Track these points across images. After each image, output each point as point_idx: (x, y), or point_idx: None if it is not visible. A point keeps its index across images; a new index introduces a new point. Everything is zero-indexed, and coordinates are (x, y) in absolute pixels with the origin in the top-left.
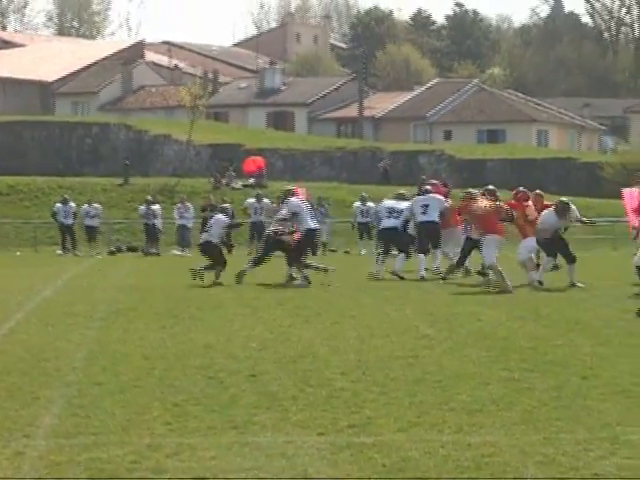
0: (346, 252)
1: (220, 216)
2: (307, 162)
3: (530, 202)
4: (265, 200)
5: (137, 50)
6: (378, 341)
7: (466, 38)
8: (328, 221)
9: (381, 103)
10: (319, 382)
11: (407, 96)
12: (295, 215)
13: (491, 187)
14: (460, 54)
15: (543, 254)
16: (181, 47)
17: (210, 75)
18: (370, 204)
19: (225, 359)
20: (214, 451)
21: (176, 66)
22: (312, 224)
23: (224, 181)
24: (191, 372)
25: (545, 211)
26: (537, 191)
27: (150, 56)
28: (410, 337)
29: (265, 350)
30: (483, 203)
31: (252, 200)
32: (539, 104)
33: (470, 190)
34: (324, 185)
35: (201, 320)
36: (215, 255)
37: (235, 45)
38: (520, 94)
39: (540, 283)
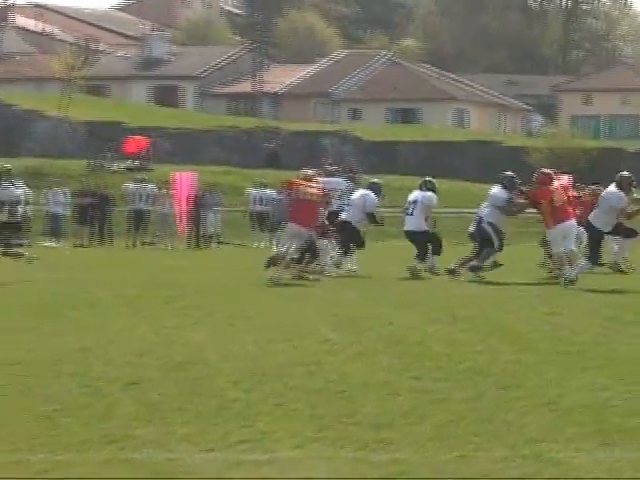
0: (241, 245)
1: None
2: (196, 143)
3: (556, 184)
4: (150, 186)
5: (3, 13)
6: (276, 346)
7: (377, 4)
8: (220, 210)
9: (281, 77)
10: (209, 392)
11: (310, 69)
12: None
13: (509, 173)
14: (370, 23)
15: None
16: (53, 10)
17: (87, 43)
18: (267, 191)
19: (103, 365)
20: (88, 468)
21: (48, 32)
22: None
23: (103, 163)
24: (64, 379)
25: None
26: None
27: (18, 20)
28: (312, 341)
29: (148, 355)
30: (310, 189)
31: (131, 185)
32: (458, 80)
33: (307, 171)
34: (215, 169)
35: (76, 320)
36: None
37: (115, 9)
38: (437, 69)
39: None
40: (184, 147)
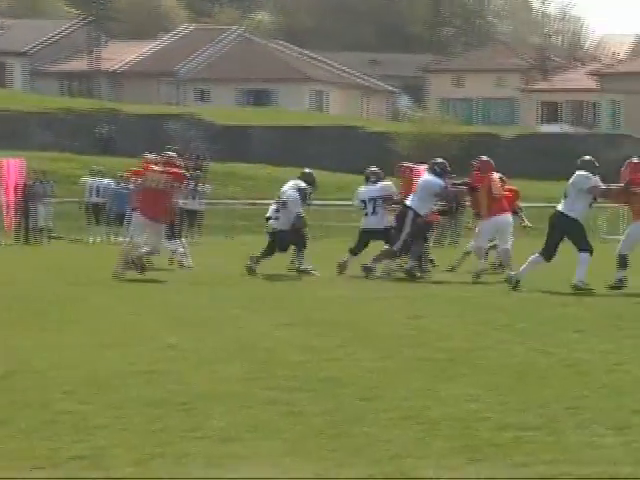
0: (75, 240)
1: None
2: (24, 126)
3: (495, 175)
4: None
5: None
6: (112, 352)
7: None
8: (50, 201)
9: (121, 54)
10: (37, 403)
11: (153, 46)
12: None
13: (440, 159)
14: None
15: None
16: None
17: None
18: (105, 180)
19: None
20: None
21: None
22: None
23: None
24: None
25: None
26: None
27: None
28: (151, 347)
29: None
30: (157, 175)
31: None
32: (316, 59)
33: (147, 155)
34: (45, 155)
35: None
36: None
37: None
38: (293, 46)
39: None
40: (10, 131)
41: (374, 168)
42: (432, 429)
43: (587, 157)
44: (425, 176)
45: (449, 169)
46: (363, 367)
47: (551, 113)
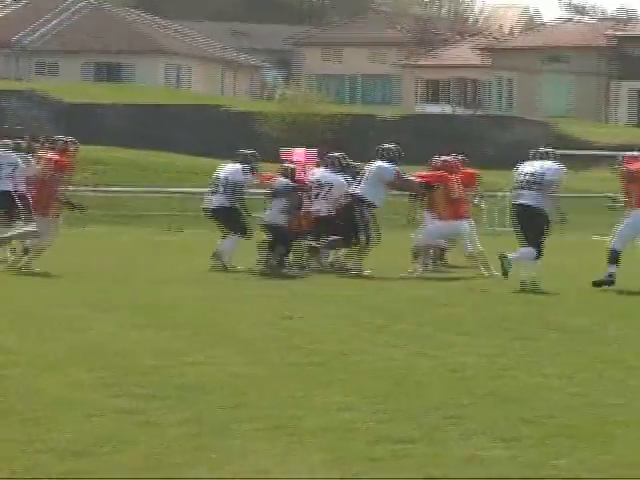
0: None
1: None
2: None
3: (454, 177)
4: None
5: None
6: None
7: None
8: None
9: None
10: None
11: None
12: None
13: (391, 145)
14: None
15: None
16: None
17: None
18: None
19: None
20: None
21: None
22: None
23: None
24: None
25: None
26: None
27: None
28: None
29: None
30: (44, 164)
31: None
32: (174, 30)
33: (19, 139)
34: None
35: None
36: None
37: None
38: (148, 15)
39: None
40: None
41: (339, 154)
42: (302, 441)
43: (542, 149)
44: (377, 162)
45: (402, 154)
46: (226, 372)
47: (435, 92)
